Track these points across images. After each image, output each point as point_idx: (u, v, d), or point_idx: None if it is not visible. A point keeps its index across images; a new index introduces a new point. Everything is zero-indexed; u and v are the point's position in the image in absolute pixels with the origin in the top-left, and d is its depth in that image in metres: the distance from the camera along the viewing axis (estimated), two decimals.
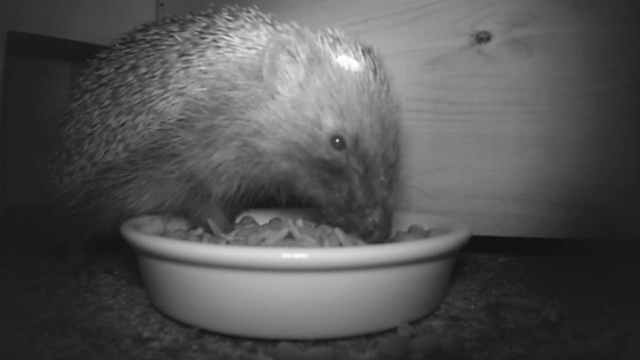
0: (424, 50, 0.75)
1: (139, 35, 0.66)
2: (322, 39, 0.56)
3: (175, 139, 0.58)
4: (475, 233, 0.64)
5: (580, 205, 0.71)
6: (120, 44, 0.67)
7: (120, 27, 0.71)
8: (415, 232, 0.62)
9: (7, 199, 0.94)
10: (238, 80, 0.57)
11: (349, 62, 0.55)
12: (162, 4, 0.93)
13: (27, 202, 0.78)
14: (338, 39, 0.57)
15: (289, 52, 0.55)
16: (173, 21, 0.65)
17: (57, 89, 1.07)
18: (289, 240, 0.55)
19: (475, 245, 0.62)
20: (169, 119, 0.59)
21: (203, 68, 0.58)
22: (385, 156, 0.54)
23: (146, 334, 0.49)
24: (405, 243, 0.53)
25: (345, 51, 0.56)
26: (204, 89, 0.58)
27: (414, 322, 0.51)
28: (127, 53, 0.65)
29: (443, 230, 0.59)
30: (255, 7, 0.63)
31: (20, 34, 0.81)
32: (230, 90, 0.57)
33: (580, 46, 0.70)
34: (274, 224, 0.64)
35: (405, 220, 0.65)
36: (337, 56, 0.55)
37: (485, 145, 0.74)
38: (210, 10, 0.64)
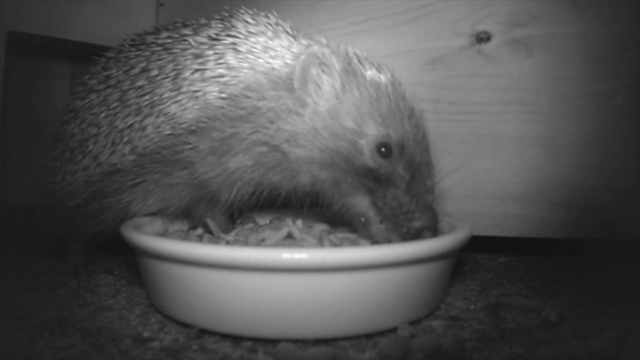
0: (424, 50, 0.75)
1: (149, 38, 0.65)
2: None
3: (187, 146, 0.57)
4: (475, 233, 0.64)
5: (580, 205, 0.71)
6: (130, 45, 0.66)
7: (120, 27, 0.71)
8: None
9: (7, 199, 0.94)
10: (267, 91, 0.56)
11: (377, 73, 0.56)
12: (162, 4, 0.92)
13: (27, 202, 0.78)
14: (356, 54, 0.58)
15: (323, 64, 0.55)
16: (185, 25, 0.64)
17: (57, 88, 1.07)
18: (289, 240, 0.55)
19: (475, 245, 0.61)
20: (181, 124, 0.57)
21: (222, 71, 0.57)
22: (427, 160, 0.56)
23: (146, 334, 0.49)
24: (405, 243, 0.53)
25: (369, 65, 0.57)
26: (223, 95, 0.56)
27: (414, 322, 0.51)
28: (137, 55, 0.63)
29: (443, 230, 0.59)
30: (275, 13, 0.63)
31: (20, 34, 0.81)
32: (258, 100, 0.56)
33: (580, 46, 0.70)
34: (274, 224, 0.63)
35: None
36: (365, 69, 0.56)
37: (485, 145, 0.74)
38: (225, 14, 0.63)
